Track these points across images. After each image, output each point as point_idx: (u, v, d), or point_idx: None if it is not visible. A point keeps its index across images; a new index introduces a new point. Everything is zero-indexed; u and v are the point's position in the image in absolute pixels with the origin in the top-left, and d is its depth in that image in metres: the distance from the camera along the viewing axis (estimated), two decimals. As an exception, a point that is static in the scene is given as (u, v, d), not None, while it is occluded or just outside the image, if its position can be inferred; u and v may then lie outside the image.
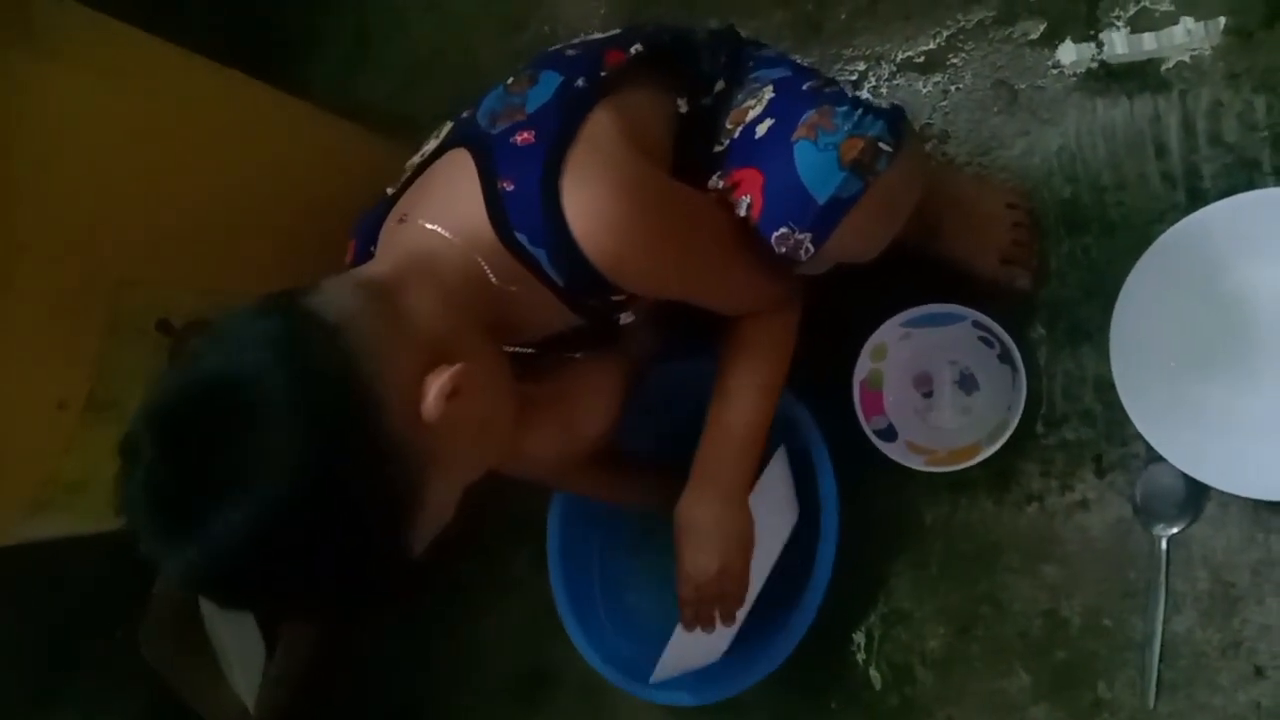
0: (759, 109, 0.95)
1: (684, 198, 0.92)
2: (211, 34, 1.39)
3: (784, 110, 0.93)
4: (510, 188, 0.85)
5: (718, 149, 0.96)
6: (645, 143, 0.91)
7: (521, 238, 0.86)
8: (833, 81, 0.97)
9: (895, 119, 0.91)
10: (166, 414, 0.73)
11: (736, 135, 0.95)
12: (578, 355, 1.05)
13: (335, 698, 1.49)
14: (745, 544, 1.03)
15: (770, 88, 0.97)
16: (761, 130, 0.93)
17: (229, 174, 1.17)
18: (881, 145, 0.89)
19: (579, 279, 0.87)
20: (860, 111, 0.90)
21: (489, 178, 0.86)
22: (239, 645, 1.43)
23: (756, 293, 0.99)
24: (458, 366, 0.78)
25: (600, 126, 0.87)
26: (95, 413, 1.03)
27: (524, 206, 0.85)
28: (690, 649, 1.10)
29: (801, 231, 0.90)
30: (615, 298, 0.92)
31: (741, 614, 1.07)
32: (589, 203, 0.83)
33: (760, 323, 1.02)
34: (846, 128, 0.89)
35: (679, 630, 1.06)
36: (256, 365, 0.72)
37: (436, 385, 0.77)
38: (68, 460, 1.05)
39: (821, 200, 0.89)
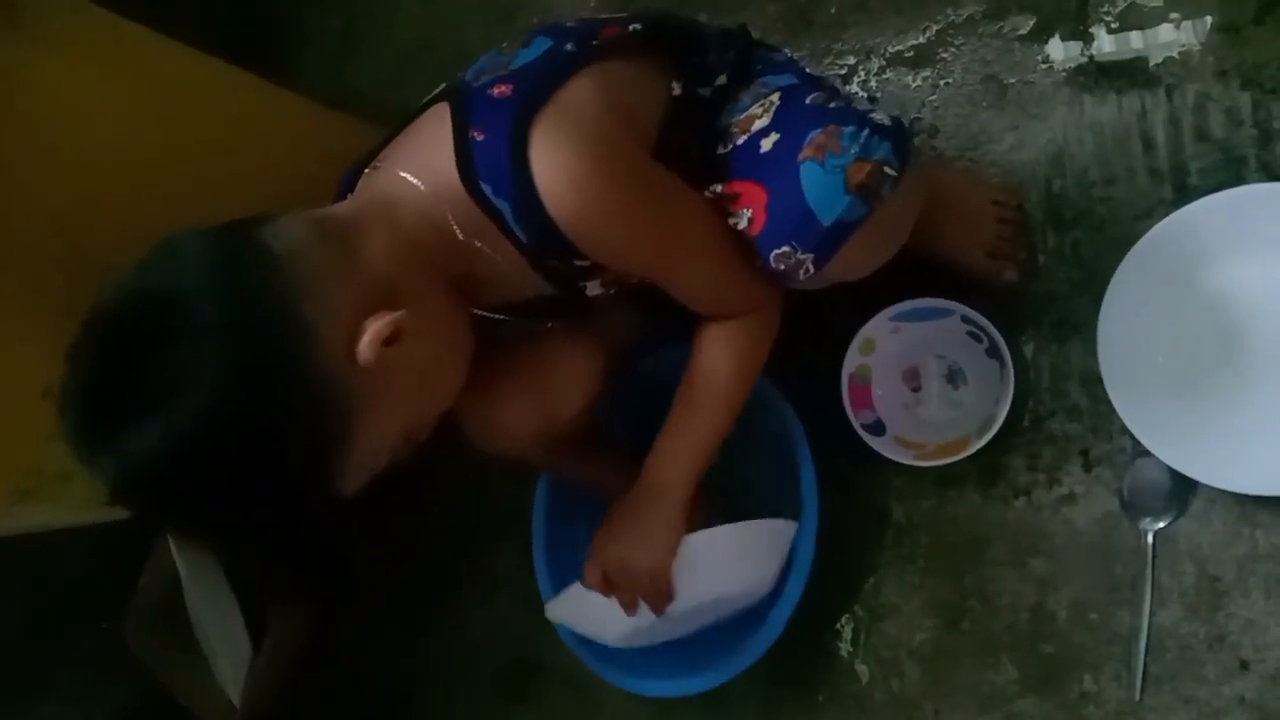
0: (765, 119, 0.95)
1: (657, 176, 0.92)
2: (201, 22, 1.38)
3: (790, 126, 0.93)
4: (480, 137, 0.85)
5: (721, 151, 0.96)
6: (627, 115, 0.91)
7: (487, 188, 0.86)
8: (837, 92, 0.97)
9: (900, 140, 0.91)
10: (104, 322, 0.75)
11: (740, 143, 0.95)
12: (549, 325, 1.05)
13: (322, 691, 1.49)
14: (658, 546, 1.01)
15: (776, 95, 0.96)
16: (767, 145, 0.93)
17: (217, 162, 1.16)
18: (887, 170, 0.89)
19: (541, 237, 0.87)
20: (866, 132, 0.89)
21: (461, 126, 0.87)
22: (224, 639, 1.42)
23: (730, 291, 0.98)
24: (399, 313, 0.79)
25: (580, 89, 0.87)
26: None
27: (491, 156, 0.85)
28: (587, 610, 1.08)
29: (804, 252, 0.91)
30: (578, 262, 0.92)
31: (644, 617, 1.05)
32: (556, 158, 0.83)
33: (730, 332, 1.00)
34: (854, 150, 0.89)
35: (577, 585, 1.05)
36: (193, 284, 0.74)
37: (374, 329, 0.78)
38: (52, 449, 1.04)
39: (827, 223, 0.89)
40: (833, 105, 0.93)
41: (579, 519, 1.29)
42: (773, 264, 0.92)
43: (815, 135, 0.90)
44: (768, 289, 0.98)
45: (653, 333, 1.18)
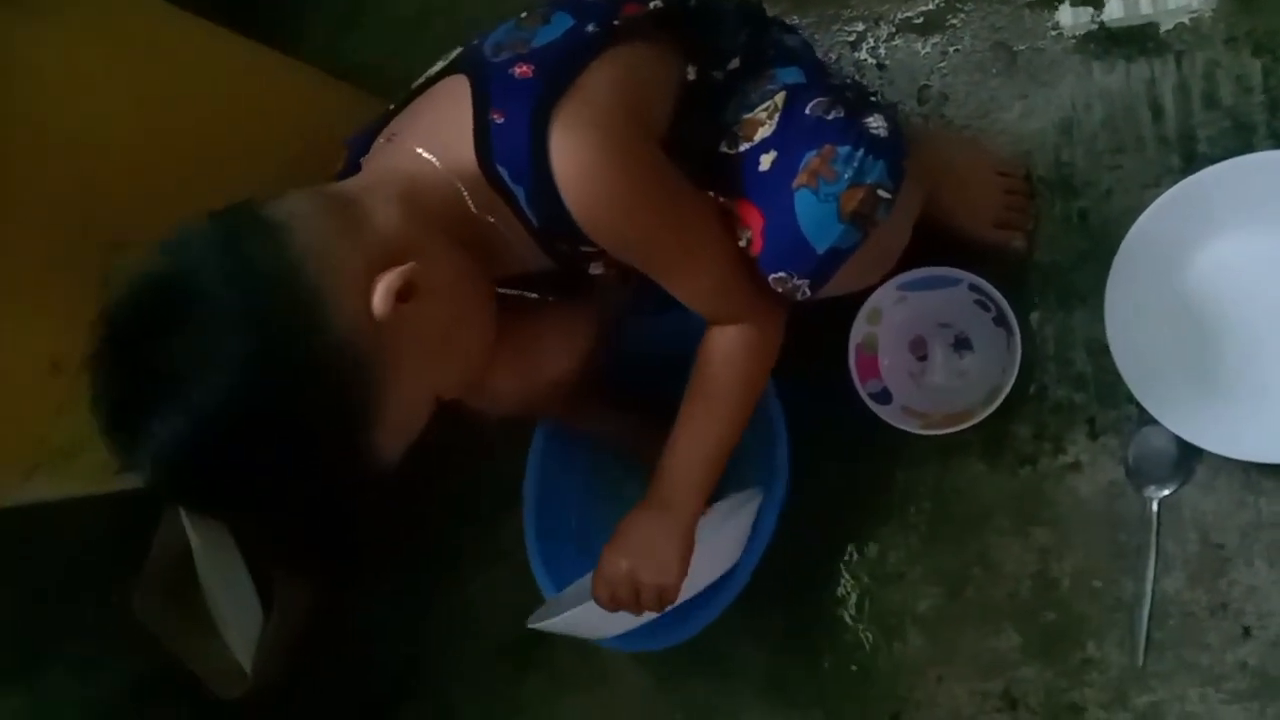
0: (768, 128, 0.94)
1: (671, 176, 0.91)
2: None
3: (788, 144, 0.92)
4: (500, 120, 0.85)
5: (725, 150, 0.95)
6: (644, 102, 0.90)
7: (503, 171, 0.85)
8: (841, 95, 0.95)
9: (895, 157, 0.90)
10: (116, 314, 0.74)
11: (743, 149, 0.94)
12: (549, 299, 1.05)
13: (331, 660, 1.50)
14: (669, 566, 0.99)
15: (781, 95, 0.95)
16: (765, 163, 0.92)
17: (221, 132, 1.16)
18: (881, 193, 0.89)
19: (553, 222, 0.87)
20: (861, 153, 0.89)
21: (481, 106, 0.86)
22: (235, 607, 1.43)
23: (731, 297, 0.97)
24: (409, 265, 0.78)
25: (602, 76, 0.86)
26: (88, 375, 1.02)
27: (510, 141, 0.84)
28: (587, 619, 1.06)
29: (799, 278, 0.91)
30: (586, 248, 0.92)
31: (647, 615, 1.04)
32: (576, 150, 0.83)
33: (732, 343, 0.99)
34: (847, 175, 0.88)
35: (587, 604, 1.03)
36: (197, 264, 0.73)
37: (385, 281, 0.77)
38: (60, 423, 1.04)
39: (821, 250, 0.90)
40: (831, 116, 0.92)
41: (570, 482, 1.32)
42: (772, 286, 0.93)
43: (810, 159, 0.89)
44: (770, 300, 0.97)
45: (644, 304, 1.17)
